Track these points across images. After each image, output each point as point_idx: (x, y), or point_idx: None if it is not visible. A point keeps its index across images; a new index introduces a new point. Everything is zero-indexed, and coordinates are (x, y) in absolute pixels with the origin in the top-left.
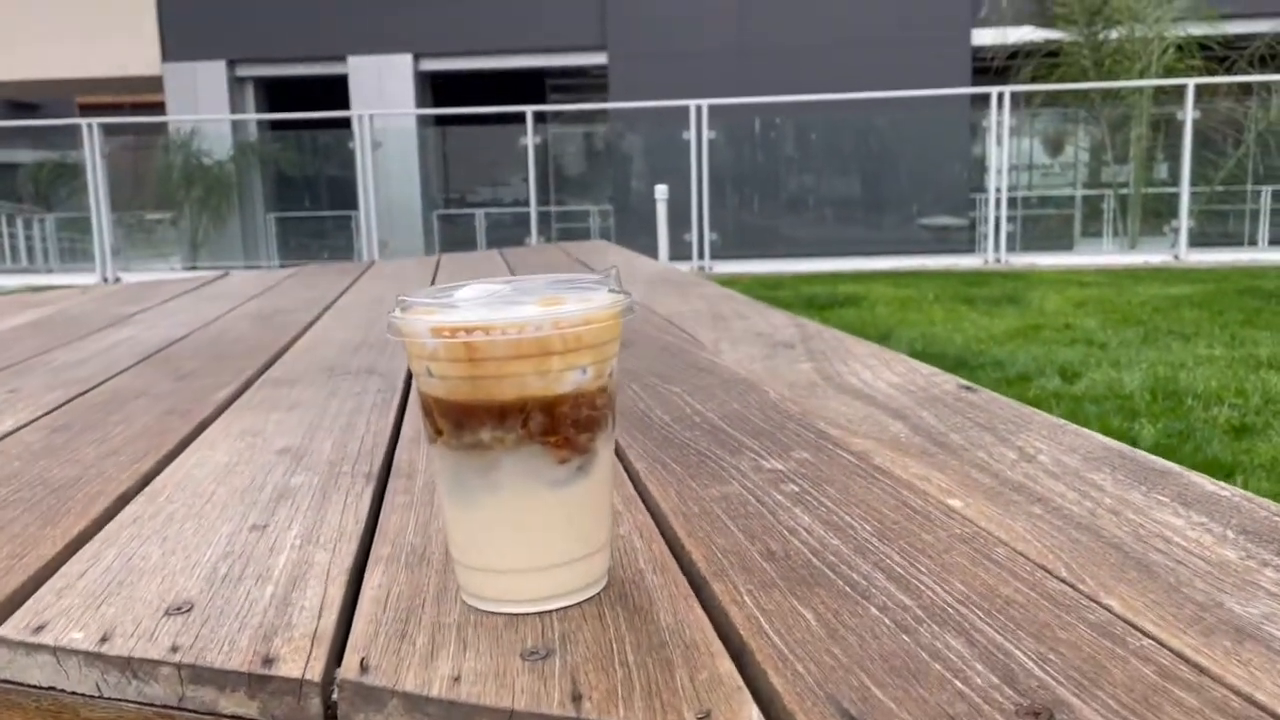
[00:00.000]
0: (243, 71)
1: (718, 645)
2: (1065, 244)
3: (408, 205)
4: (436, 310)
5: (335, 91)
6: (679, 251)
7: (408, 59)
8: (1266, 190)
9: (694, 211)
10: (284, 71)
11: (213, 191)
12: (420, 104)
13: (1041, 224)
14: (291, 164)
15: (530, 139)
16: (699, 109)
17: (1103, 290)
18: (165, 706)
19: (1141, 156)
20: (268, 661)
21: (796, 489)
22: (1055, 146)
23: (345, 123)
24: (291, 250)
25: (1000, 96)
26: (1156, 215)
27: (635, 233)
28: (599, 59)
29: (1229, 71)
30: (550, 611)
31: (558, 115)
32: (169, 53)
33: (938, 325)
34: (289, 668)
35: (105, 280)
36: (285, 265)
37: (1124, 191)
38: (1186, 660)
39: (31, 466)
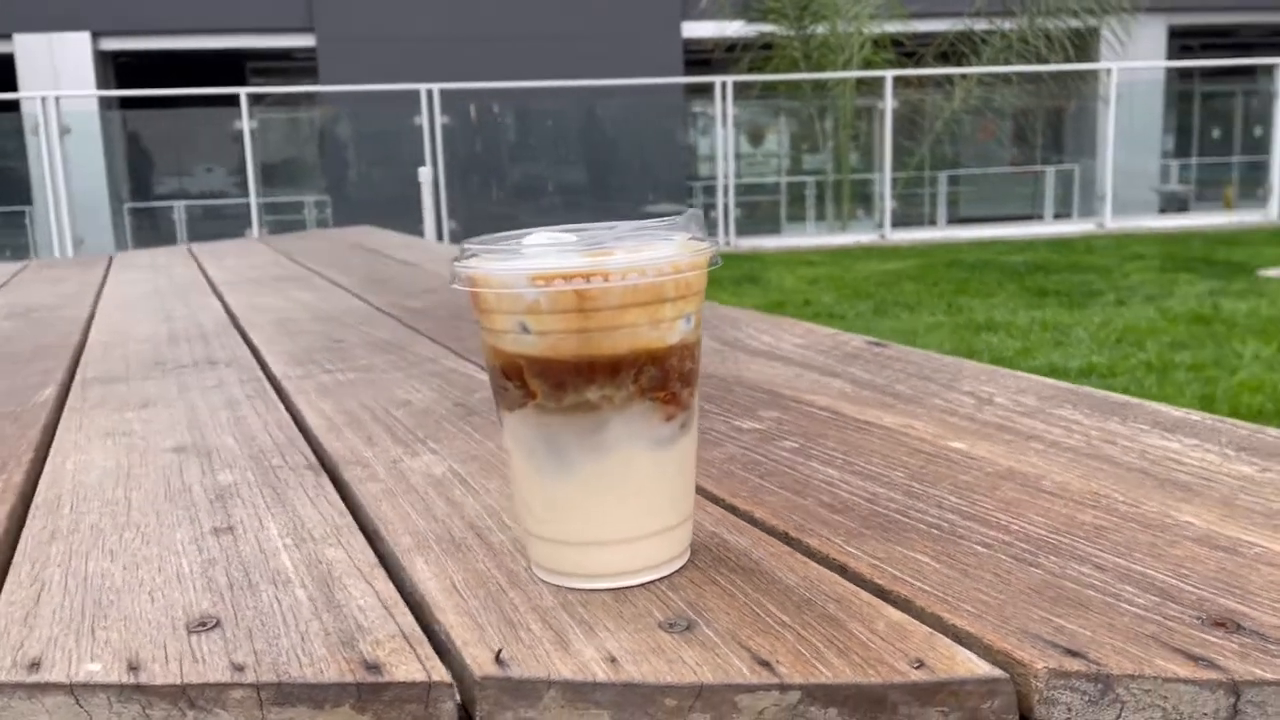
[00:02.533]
0: None
1: (866, 595)
2: (775, 228)
3: (93, 199)
4: (516, 257)
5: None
6: None
7: (85, 37)
8: (942, 175)
9: (431, 199)
10: None
11: None
12: (102, 87)
13: (761, 209)
14: None
15: (246, 124)
16: (430, 93)
17: (829, 269)
18: None
19: (847, 144)
20: (372, 667)
21: (795, 445)
22: (762, 136)
23: (12, 107)
24: None
25: (724, 86)
26: (863, 198)
27: (357, 223)
28: (306, 41)
29: (917, 66)
30: (653, 582)
31: (260, 99)
32: None
33: None
34: (404, 671)
35: None
36: None
37: (835, 177)
38: None
39: None
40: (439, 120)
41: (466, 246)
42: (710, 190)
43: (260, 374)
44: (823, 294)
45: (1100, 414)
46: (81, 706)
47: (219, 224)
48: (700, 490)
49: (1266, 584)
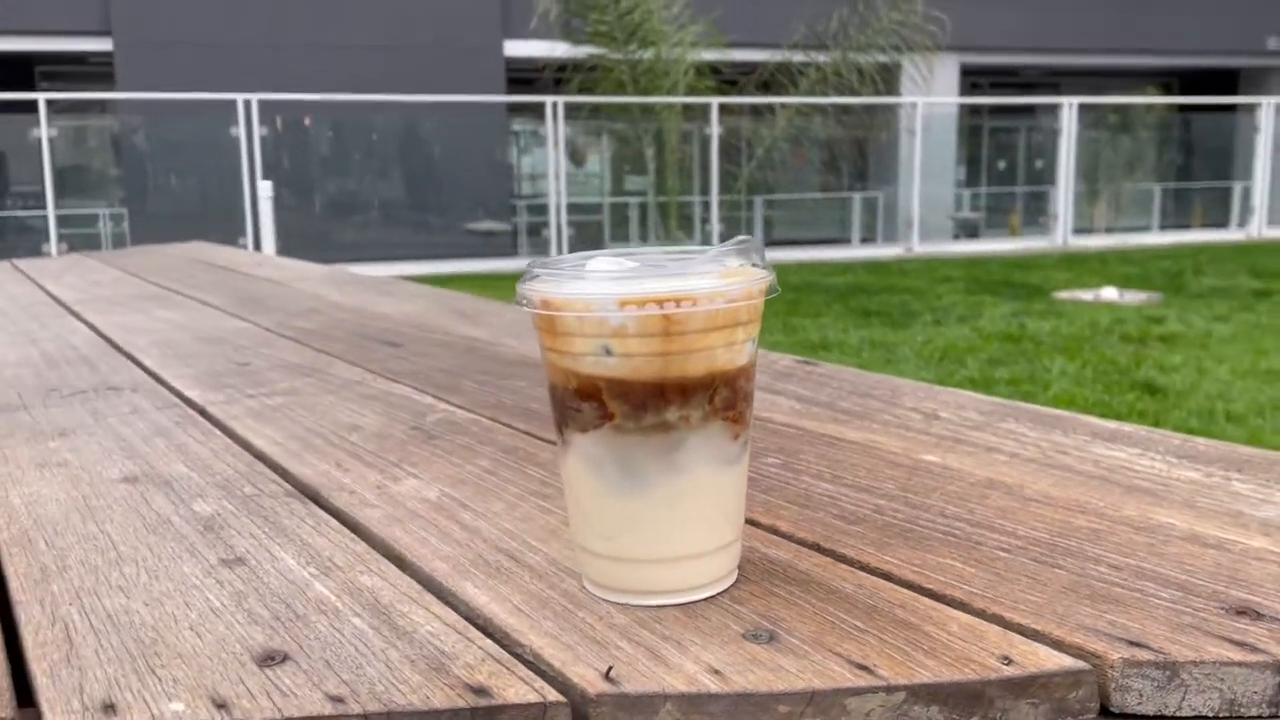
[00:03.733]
0: None
1: (927, 600)
2: (598, 246)
3: None
4: (618, 281)
5: None
6: None
7: None
8: (759, 199)
9: (248, 213)
10: None
11: None
12: None
13: (589, 229)
14: None
15: (44, 131)
16: (248, 104)
17: None
18: None
19: (675, 166)
20: (480, 691)
21: (778, 460)
22: (584, 157)
23: None
24: None
25: (556, 106)
26: (685, 220)
27: (160, 238)
28: (102, 45)
29: (738, 94)
30: (716, 596)
31: (50, 105)
32: None
33: None
34: (514, 693)
35: None
36: None
37: (661, 199)
38: None
39: None
40: (256, 131)
41: (531, 269)
42: (535, 209)
43: (176, 399)
44: None
45: (1042, 427)
46: None
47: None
48: None
49: (1264, 576)
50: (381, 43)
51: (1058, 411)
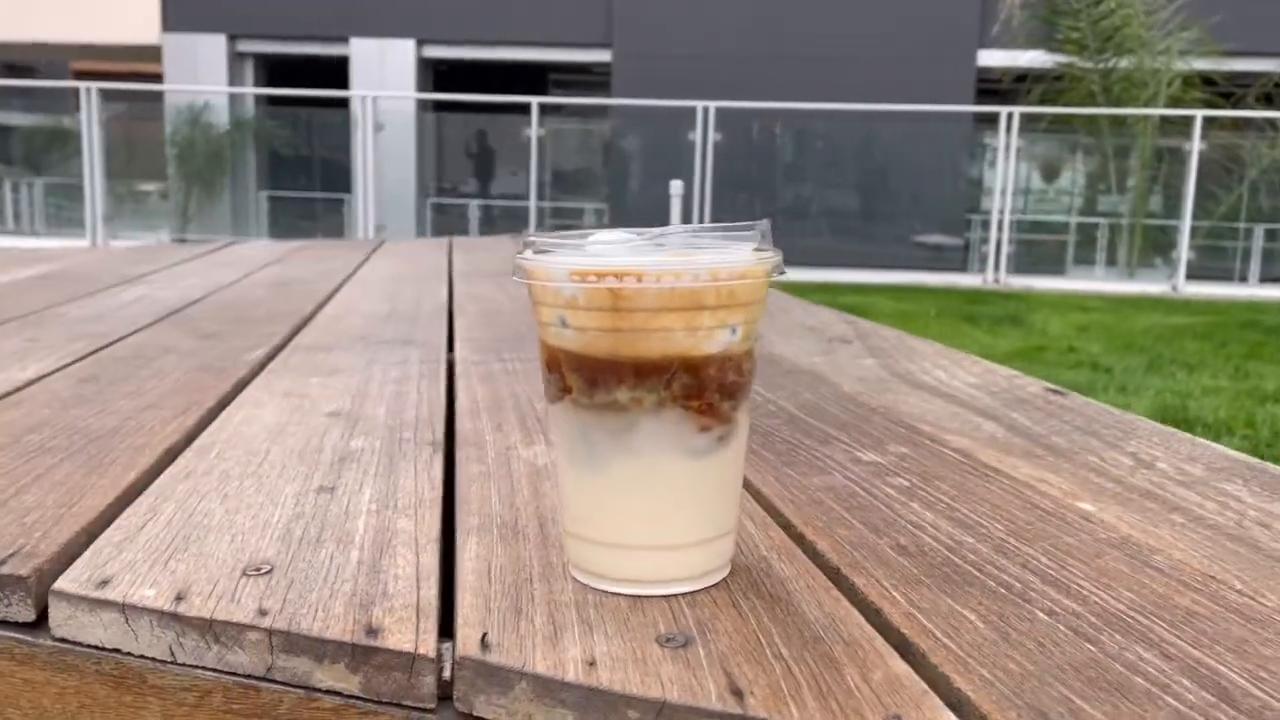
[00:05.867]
0: (243, 47)
1: (881, 643)
2: (1059, 269)
3: (401, 191)
4: (575, 253)
5: (335, 73)
6: None
7: (410, 44)
8: (1259, 228)
9: (696, 213)
10: (284, 49)
11: (207, 165)
12: (422, 91)
13: (1041, 247)
14: (286, 143)
15: (535, 131)
16: (705, 110)
17: (1104, 316)
18: (249, 676)
19: (1144, 186)
20: (371, 631)
21: (905, 483)
22: (1056, 172)
23: (343, 104)
24: (282, 229)
25: (1010, 117)
26: (1155, 246)
27: None
28: (603, 56)
29: (1234, 107)
30: (676, 595)
31: (556, 109)
32: (169, 23)
33: (940, 341)
34: (397, 639)
35: (96, 246)
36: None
37: (1129, 221)
38: None
39: (63, 415)
40: (710, 136)
41: (534, 240)
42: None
43: (444, 356)
44: (1091, 343)
45: (1270, 493)
46: (129, 626)
47: (507, 224)
48: (776, 513)
49: None
50: (849, 53)
51: None
